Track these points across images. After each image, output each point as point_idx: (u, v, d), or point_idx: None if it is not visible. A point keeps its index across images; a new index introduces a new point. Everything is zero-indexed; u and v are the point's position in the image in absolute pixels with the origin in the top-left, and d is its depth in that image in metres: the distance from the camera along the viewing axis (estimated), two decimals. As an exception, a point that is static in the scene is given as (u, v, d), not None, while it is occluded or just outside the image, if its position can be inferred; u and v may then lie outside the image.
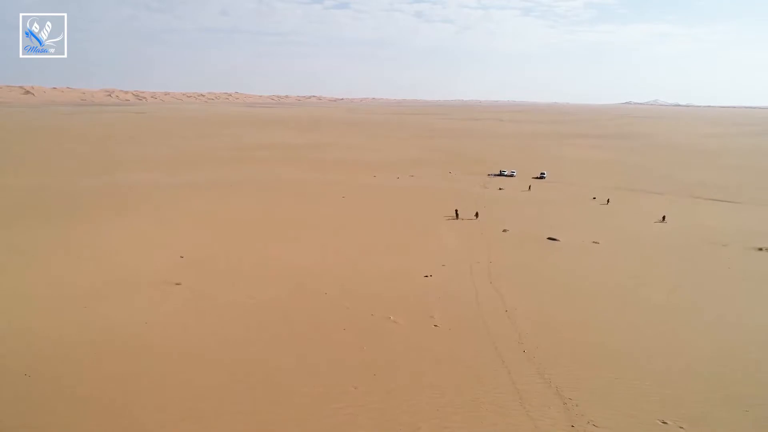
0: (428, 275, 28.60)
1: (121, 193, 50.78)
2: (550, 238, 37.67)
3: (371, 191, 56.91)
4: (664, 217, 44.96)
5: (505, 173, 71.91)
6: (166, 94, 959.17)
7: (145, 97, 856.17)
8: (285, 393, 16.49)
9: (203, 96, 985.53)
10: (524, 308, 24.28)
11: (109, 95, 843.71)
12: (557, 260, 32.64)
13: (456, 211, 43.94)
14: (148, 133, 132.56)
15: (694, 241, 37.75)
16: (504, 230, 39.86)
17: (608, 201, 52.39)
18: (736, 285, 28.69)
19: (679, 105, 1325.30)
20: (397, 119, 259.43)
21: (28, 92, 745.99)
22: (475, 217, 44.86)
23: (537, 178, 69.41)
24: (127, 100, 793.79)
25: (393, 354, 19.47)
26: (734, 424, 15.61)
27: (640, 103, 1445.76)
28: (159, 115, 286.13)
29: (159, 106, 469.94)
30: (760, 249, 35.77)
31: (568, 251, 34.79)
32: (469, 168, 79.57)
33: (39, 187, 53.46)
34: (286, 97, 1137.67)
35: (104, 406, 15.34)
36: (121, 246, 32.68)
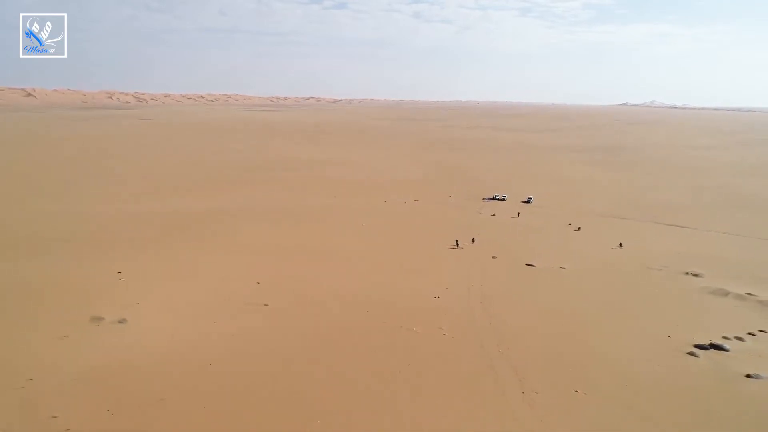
0: (436, 297, 39.28)
1: (169, 221, 61.05)
2: (528, 264, 48.34)
3: (385, 218, 67.51)
4: (621, 244, 55.71)
5: (498, 197, 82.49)
6: (166, 95, 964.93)
7: (145, 99, 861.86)
8: (363, 378, 27.14)
9: (203, 98, 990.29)
10: (504, 322, 35.00)
11: (110, 97, 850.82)
12: (532, 284, 43.45)
13: (456, 241, 54.48)
14: (159, 148, 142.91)
15: (637, 266, 48.51)
16: (493, 257, 50.51)
17: (579, 228, 63.10)
18: (652, 304, 39.63)
19: (675, 107, 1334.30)
20: (398, 127, 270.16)
21: (29, 94, 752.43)
22: (471, 242, 55.46)
23: (524, 202, 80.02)
24: (127, 102, 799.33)
25: (419, 354, 30.24)
26: (618, 392, 26.52)
27: (637, 105, 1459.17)
28: (164, 122, 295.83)
29: (162, 110, 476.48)
30: (687, 273, 46.45)
31: (541, 276, 45.51)
32: (466, 190, 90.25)
33: (98, 213, 63.68)
34: (285, 98, 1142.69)
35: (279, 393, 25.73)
36: (205, 272, 43.17)
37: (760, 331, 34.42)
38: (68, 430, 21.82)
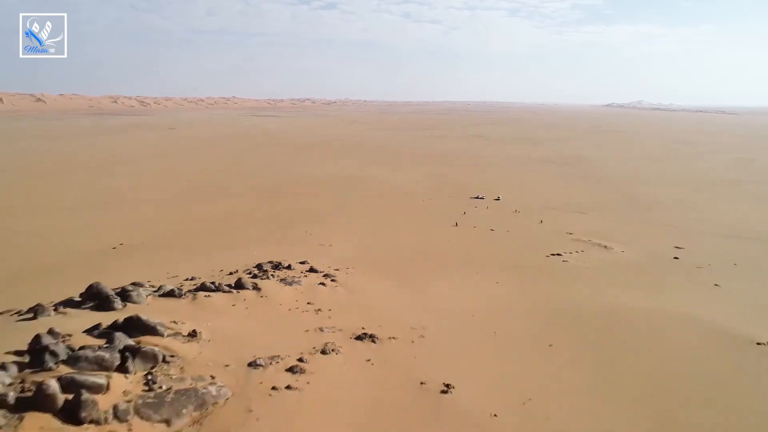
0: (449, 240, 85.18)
1: (294, 216, 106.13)
2: (491, 230, 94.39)
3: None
4: (541, 221, 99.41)
5: (479, 197, 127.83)
6: (167, 99, 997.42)
7: (148, 104, 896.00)
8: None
9: (203, 101, 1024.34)
10: (472, 256, 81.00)
11: (115, 102, 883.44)
12: (490, 239, 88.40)
13: (456, 222, 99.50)
14: (223, 170, 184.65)
15: (543, 230, 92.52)
16: (474, 227, 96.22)
17: (518, 211, 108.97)
18: (537, 243, 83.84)
19: (660, 107, 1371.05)
20: (399, 140, 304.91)
21: (39, 99, 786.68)
22: (463, 215, 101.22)
23: (495, 200, 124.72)
24: (132, 106, 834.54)
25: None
26: (504, 270, 72.42)
27: (623, 105, 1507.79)
28: (194, 134, 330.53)
29: (171, 117, 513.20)
30: (567, 233, 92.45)
31: (494, 234, 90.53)
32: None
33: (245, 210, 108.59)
34: (281, 101, 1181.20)
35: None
36: (349, 235, 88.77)
37: (577, 251, 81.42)
38: (310, 303, 67.31)
